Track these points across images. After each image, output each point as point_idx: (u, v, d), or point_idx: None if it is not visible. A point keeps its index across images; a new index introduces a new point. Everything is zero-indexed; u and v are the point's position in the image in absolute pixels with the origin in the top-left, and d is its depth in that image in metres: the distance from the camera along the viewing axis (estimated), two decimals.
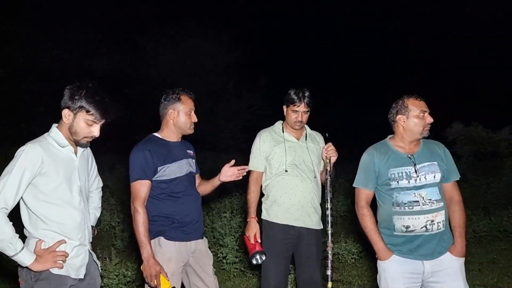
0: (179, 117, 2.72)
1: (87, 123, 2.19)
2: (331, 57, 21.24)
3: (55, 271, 2.14)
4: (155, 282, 2.48)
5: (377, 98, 19.94)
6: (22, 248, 2.03)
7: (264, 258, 2.97)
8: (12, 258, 2.04)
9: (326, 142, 3.19)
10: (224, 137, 16.03)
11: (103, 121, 2.24)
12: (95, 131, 2.23)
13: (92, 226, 2.44)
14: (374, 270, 4.95)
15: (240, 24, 17.08)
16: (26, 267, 2.10)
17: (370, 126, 18.78)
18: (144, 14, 16.74)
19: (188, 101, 2.75)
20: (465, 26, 18.43)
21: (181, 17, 16.18)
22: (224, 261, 4.80)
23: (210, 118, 15.72)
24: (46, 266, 2.10)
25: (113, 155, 11.68)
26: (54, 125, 2.26)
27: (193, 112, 2.76)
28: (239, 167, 2.87)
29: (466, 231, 2.66)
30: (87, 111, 2.18)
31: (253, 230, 3.02)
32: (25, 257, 2.05)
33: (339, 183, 10.09)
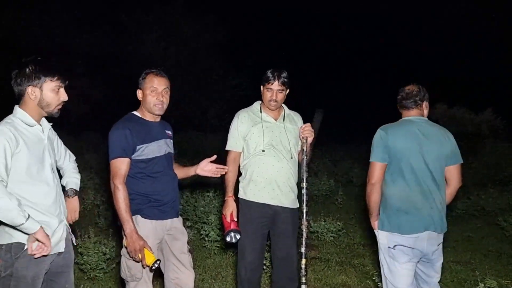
0: (144, 96, 2.72)
1: (54, 90, 2.24)
2: (320, 37, 21.15)
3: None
4: (140, 256, 2.52)
5: (364, 81, 20.14)
6: (29, 216, 2.05)
7: (238, 237, 3.02)
8: (20, 226, 2.05)
9: (318, 118, 3.21)
10: (210, 118, 16.00)
11: (66, 83, 2.29)
12: (64, 95, 2.28)
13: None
14: (353, 248, 5.12)
15: (226, 3, 16.85)
16: (9, 245, 2.14)
17: (356, 109, 19.02)
18: None
19: (153, 79, 2.70)
20: (450, 9, 18.45)
21: None
22: (206, 238, 4.87)
23: (196, 98, 15.66)
24: (47, 240, 2.12)
25: (97, 134, 11.63)
26: (17, 107, 2.26)
27: (160, 90, 2.69)
28: (218, 166, 2.90)
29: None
30: (51, 79, 2.22)
31: (229, 209, 3.07)
32: (32, 224, 2.06)
33: (323, 163, 10.23)
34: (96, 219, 5.77)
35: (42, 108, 2.25)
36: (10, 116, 2.24)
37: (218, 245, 4.84)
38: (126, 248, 2.59)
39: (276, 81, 3.06)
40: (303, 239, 2.83)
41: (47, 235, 2.14)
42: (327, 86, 19.85)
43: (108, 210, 5.97)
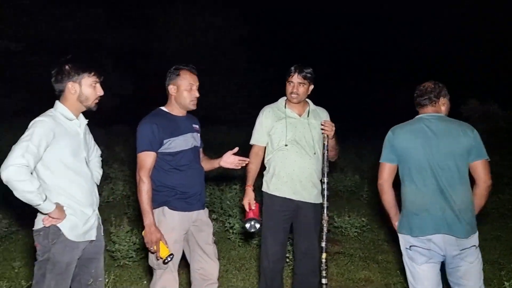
0: (179, 92, 2.80)
1: (91, 85, 2.40)
2: (350, 31, 20.85)
3: (70, 236, 2.32)
4: (155, 248, 2.62)
5: (392, 75, 19.77)
6: (46, 197, 2.20)
7: (258, 226, 3.08)
8: (37, 207, 2.21)
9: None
10: (235, 112, 16.09)
11: (101, 78, 2.45)
12: (100, 90, 2.45)
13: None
14: (377, 244, 5.10)
15: None
16: (42, 229, 2.30)
17: (383, 103, 18.71)
18: None
19: (188, 76, 2.80)
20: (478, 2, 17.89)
21: None
22: (231, 231, 4.96)
23: (222, 93, 15.76)
24: (62, 216, 2.29)
25: (126, 127, 11.91)
26: (58, 101, 2.42)
27: (194, 87, 2.81)
28: (240, 158, 2.96)
29: None
30: (89, 74, 2.39)
31: (246, 197, 3.14)
32: (49, 205, 2.21)
33: (349, 158, 10.14)
34: (126, 209, 5.95)
35: (81, 103, 2.41)
36: (51, 109, 2.40)
37: (242, 237, 4.92)
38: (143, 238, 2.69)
39: (296, 73, 3.10)
40: (324, 233, 2.87)
41: (62, 213, 2.29)
42: (355, 80, 19.60)
43: (137, 202, 6.13)
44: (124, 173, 7.37)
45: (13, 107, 10.25)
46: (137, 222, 5.26)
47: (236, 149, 2.97)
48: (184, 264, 3.05)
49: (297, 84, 3.11)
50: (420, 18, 20.01)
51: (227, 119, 15.23)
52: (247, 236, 4.94)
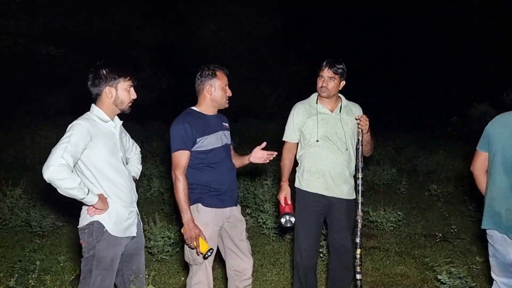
0: (216, 92, 2.87)
1: (126, 89, 2.51)
2: (382, 26, 20.35)
3: (113, 232, 2.45)
4: (195, 244, 2.69)
5: (430, 68, 19.16)
6: (89, 191, 2.34)
7: (293, 220, 3.07)
8: (82, 200, 2.34)
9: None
10: (270, 105, 16.09)
11: (135, 82, 2.56)
12: (134, 94, 2.56)
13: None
14: (414, 239, 5.01)
15: None
16: (88, 227, 2.43)
17: (421, 95, 18.20)
18: None
19: (223, 77, 2.90)
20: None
21: None
22: (264, 226, 5.00)
23: (255, 86, 15.78)
24: (105, 206, 2.42)
25: (162, 123, 12.15)
26: (94, 105, 2.54)
27: (227, 87, 2.91)
28: (269, 152, 2.96)
29: None
30: (124, 79, 2.49)
31: (283, 192, 3.15)
32: (92, 197, 2.34)
33: (386, 151, 9.96)
34: (162, 205, 6.10)
35: (116, 106, 2.53)
36: (88, 112, 2.52)
37: (276, 232, 4.96)
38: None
39: (327, 68, 3.09)
40: (358, 229, 2.85)
41: (105, 204, 2.41)
42: (392, 72, 19.15)
43: (172, 197, 6.26)
44: (159, 169, 7.54)
45: (55, 107, 10.72)
46: (171, 217, 5.43)
47: (264, 143, 2.99)
48: (220, 259, 3.11)
49: (327, 78, 3.10)
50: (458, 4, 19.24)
51: (262, 113, 15.24)
52: (281, 230, 4.96)
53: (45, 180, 2.26)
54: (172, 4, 15.41)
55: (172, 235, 4.51)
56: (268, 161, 2.99)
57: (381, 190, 7.31)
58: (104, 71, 2.47)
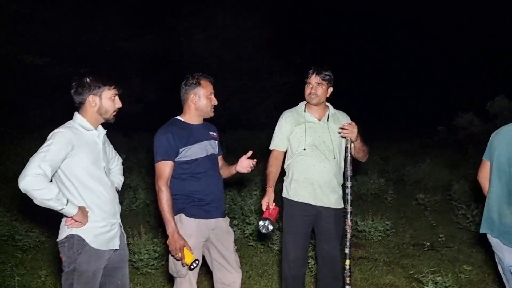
0: (200, 101, 2.83)
1: (111, 98, 2.44)
2: (370, 35, 20.62)
3: (94, 245, 2.36)
4: (180, 255, 2.63)
5: (416, 76, 19.44)
6: (68, 202, 2.25)
7: (270, 228, 2.92)
8: (61, 211, 2.26)
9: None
10: (258, 115, 16.08)
11: (120, 91, 2.49)
12: (119, 102, 2.49)
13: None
14: (402, 248, 5.00)
15: (273, 1, 16.81)
16: (67, 239, 2.34)
17: (407, 104, 18.40)
18: None
19: (208, 85, 2.86)
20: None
21: None
22: (251, 237, 4.94)
23: (244, 96, 15.78)
24: (84, 219, 2.33)
25: (149, 135, 12.03)
26: (77, 113, 2.46)
27: (213, 95, 2.86)
28: (253, 160, 2.92)
29: None
30: (109, 88, 2.43)
31: (265, 198, 3.05)
32: (71, 208, 2.25)
33: (373, 161, 9.98)
34: (147, 217, 6.01)
35: (100, 115, 2.45)
36: (70, 121, 2.44)
37: (263, 243, 4.90)
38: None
39: (314, 74, 3.10)
40: (347, 240, 2.81)
41: (85, 216, 2.33)
42: (378, 82, 19.35)
43: (158, 209, 6.19)
44: (145, 181, 7.45)
45: (40, 119, 10.54)
46: (156, 229, 5.33)
47: (250, 152, 2.94)
48: (207, 271, 3.05)
49: (315, 84, 3.09)
50: (443, 14, 19.60)
51: (250, 123, 15.22)
52: (268, 242, 4.91)
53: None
54: (160, 15, 15.39)
55: (158, 248, 4.42)
56: (250, 170, 2.93)
57: (368, 199, 7.31)
58: (88, 79, 2.40)
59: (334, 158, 3.11)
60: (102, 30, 13.24)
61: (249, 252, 4.84)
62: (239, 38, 16.00)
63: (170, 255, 2.77)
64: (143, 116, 13.07)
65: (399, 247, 5.08)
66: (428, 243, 4.91)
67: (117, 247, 2.50)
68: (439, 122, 12.28)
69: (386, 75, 19.76)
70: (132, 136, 12.03)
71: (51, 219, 5.67)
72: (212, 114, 2.88)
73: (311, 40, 18.75)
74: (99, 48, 12.72)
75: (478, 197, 6.69)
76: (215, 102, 2.87)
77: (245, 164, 2.93)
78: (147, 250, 4.21)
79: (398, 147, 12.11)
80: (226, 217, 2.95)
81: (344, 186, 3.05)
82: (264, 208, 3.06)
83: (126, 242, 2.65)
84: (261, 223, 2.96)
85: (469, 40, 17.97)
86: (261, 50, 16.33)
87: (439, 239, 5.02)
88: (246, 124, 14.92)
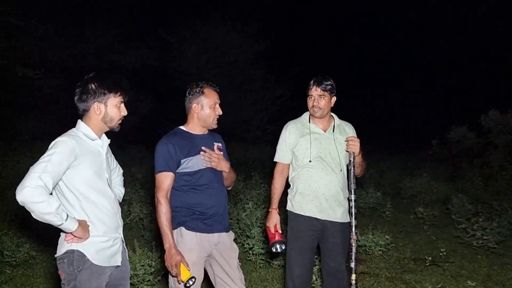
0: (203, 111, 2.72)
1: (117, 106, 2.32)
2: (363, 49, 20.80)
3: (96, 261, 2.22)
4: (176, 271, 2.51)
5: (412, 91, 19.59)
6: (68, 217, 2.10)
7: (284, 247, 2.95)
8: (59, 227, 2.11)
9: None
10: (252, 129, 16.03)
11: (126, 98, 2.36)
12: (124, 110, 2.37)
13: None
14: (404, 263, 4.90)
15: (267, 14, 16.93)
16: (67, 254, 2.19)
17: (403, 118, 18.49)
18: (169, 8, 16.85)
19: (212, 94, 2.74)
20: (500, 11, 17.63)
21: (206, 9, 16.20)
22: (251, 252, 4.81)
23: (238, 109, 15.74)
24: (85, 235, 2.19)
25: (142, 147, 11.91)
26: (80, 121, 2.33)
27: (217, 105, 2.75)
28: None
29: None
30: (115, 95, 2.30)
31: (273, 221, 3.00)
32: (71, 224, 2.11)
33: (369, 174, 9.93)
34: (142, 231, 5.85)
35: (105, 123, 2.32)
36: (73, 129, 2.31)
37: (263, 258, 4.77)
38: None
39: (315, 86, 3.00)
40: (353, 253, 2.71)
41: (86, 231, 2.19)
42: (373, 95, 19.46)
43: (153, 223, 6.06)
44: (139, 194, 7.31)
45: (32, 131, 10.41)
46: (151, 244, 5.19)
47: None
48: (210, 287, 2.92)
49: (317, 97, 3.00)
50: (435, 28, 19.86)
51: (244, 137, 15.16)
52: (268, 257, 4.79)
53: (19, 204, 2.04)
54: (153, 28, 15.41)
55: (153, 263, 4.28)
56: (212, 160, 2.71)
57: (366, 213, 7.22)
58: (93, 86, 2.27)
59: (341, 170, 3.02)
60: (95, 42, 13.21)
61: (248, 268, 4.71)
62: (233, 51, 16.03)
63: (168, 272, 2.65)
64: (137, 129, 12.97)
65: (400, 262, 4.98)
66: (430, 258, 4.81)
67: (119, 264, 2.35)
68: (433, 136, 12.30)
69: (381, 89, 19.88)
70: (125, 149, 11.90)
71: (41, 232, 5.52)
72: (214, 126, 2.77)
73: (306, 54, 18.87)
74: (92, 61, 12.67)
75: (477, 211, 6.70)
76: (219, 112, 2.75)
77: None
78: (142, 265, 4.06)
79: (393, 160, 12.09)
80: (231, 232, 2.83)
81: (348, 199, 2.96)
82: (272, 231, 2.98)
83: (127, 258, 2.50)
84: (273, 249, 2.97)
85: (463, 55, 18.18)
86: (255, 63, 16.38)
87: (440, 254, 4.94)
88: (240, 137, 14.85)
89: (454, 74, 17.94)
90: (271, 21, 16.61)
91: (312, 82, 3.04)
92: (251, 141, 14.34)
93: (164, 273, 4.49)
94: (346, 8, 20.62)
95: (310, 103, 3.03)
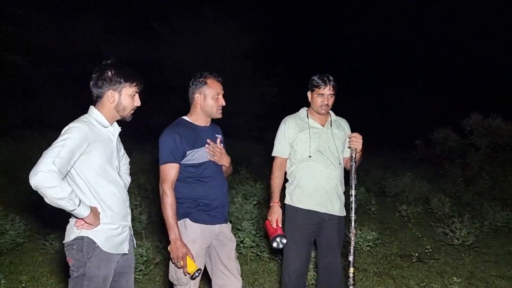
0: (205, 101, 2.73)
1: (131, 96, 2.32)
2: (349, 46, 21.00)
3: (105, 248, 2.22)
4: (182, 263, 2.53)
5: (395, 89, 19.88)
6: (80, 202, 2.10)
7: (284, 241, 3.00)
8: (72, 212, 2.11)
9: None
10: (239, 125, 16.04)
11: (141, 88, 2.36)
12: (138, 101, 2.37)
13: None
14: (391, 259, 5.02)
15: (256, 10, 16.95)
16: (76, 241, 2.20)
17: (386, 117, 18.76)
18: (161, 0, 16.71)
19: (215, 85, 2.75)
20: (486, 16, 18.03)
21: (197, 3, 16.11)
22: (242, 245, 4.86)
23: (226, 105, 15.73)
24: (96, 221, 2.19)
25: (130, 140, 11.80)
26: (92, 107, 2.32)
27: (220, 95, 2.76)
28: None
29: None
30: (130, 84, 2.30)
31: (275, 215, 3.04)
32: (83, 210, 2.11)
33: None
34: (132, 222, 5.82)
35: (117, 112, 2.33)
36: (86, 115, 2.30)
37: (254, 251, 4.83)
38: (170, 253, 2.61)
39: (328, 85, 3.05)
40: (352, 247, 2.78)
41: (97, 218, 2.19)
42: (358, 95, 19.65)
43: (142, 214, 6.04)
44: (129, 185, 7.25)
45: (20, 119, 10.23)
46: (140, 234, 5.18)
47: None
48: (206, 278, 2.96)
49: (328, 96, 3.06)
50: (421, 30, 20.19)
51: (231, 132, 15.16)
52: (258, 250, 4.84)
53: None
54: (145, 20, 15.24)
55: (144, 252, 4.29)
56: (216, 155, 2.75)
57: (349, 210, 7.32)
58: (110, 73, 2.27)
59: (340, 163, 3.10)
60: (85, 32, 12.99)
61: (239, 260, 4.70)
62: (223, 47, 15.97)
63: (171, 262, 2.67)
64: (124, 122, 12.85)
65: (387, 258, 5.10)
66: (416, 255, 4.94)
67: (127, 252, 2.36)
68: (417, 136, 12.53)
69: (366, 89, 20.12)
70: None
71: (28, 221, 5.43)
72: (218, 116, 2.78)
73: (294, 51, 18.95)
74: (81, 50, 12.46)
75: (459, 211, 6.88)
76: (222, 103, 2.76)
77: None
78: (134, 254, 4.05)
79: (377, 160, 12.27)
80: (229, 223, 2.87)
81: (348, 194, 3.03)
82: (274, 225, 3.02)
83: (133, 247, 2.51)
84: (274, 244, 3.00)
85: (449, 59, 18.53)
86: (244, 59, 16.35)
87: (426, 251, 5.07)
88: (227, 133, 14.82)
89: (439, 76, 18.30)
90: (260, 17, 16.63)
91: (321, 81, 3.05)
92: (238, 137, 14.36)
93: (156, 263, 4.52)
94: (333, 8, 20.80)
95: (319, 101, 3.06)
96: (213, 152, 2.72)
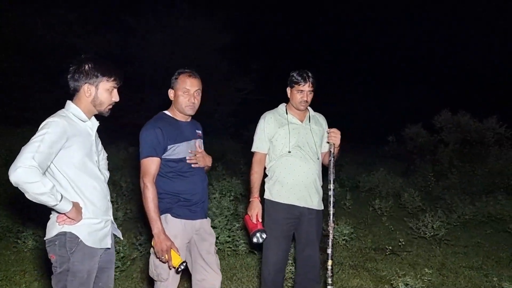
0: (176, 97, 2.74)
1: (108, 90, 2.28)
2: (325, 43, 21.24)
3: (88, 243, 2.20)
4: (166, 257, 2.52)
5: (367, 85, 20.27)
6: (62, 197, 2.07)
7: (264, 236, 3.03)
8: (54, 207, 2.08)
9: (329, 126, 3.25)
10: (214, 121, 16.00)
11: (120, 84, 2.32)
12: (116, 96, 2.33)
13: None
14: (365, 252, 5.13)
15: (232, 6, 16.92)
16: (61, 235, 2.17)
17: (360, 113, 19.09)
18: None
19: (186, 81, 2.72)
20: (457, 17, 18.56)
21: None
22: (217, 240, 4.86)
23: (201, 101, 15.66)
24: (79, 216, 2.17)
25: (103, 136, 11.60)
26: (69, 102, 2.29)
27: (191, 91, 2.72)
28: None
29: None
30: (108, 79, 2.26)
31: (255, 210, 3.07)
32: (65, 204, 2.08)
33: (325, 168, 10.20)
34: None
35: (94, 106, 2.29)
36: (63, 110, 2.26)
37: (230, 246, 4.85)
38: (153, 248, 2.59)
39: (307, 82, 3.09)
40: (330, 240, 2.83)
41: (79, 213, 2.17)
42: (332, 93, 19.91)
43: (119, 210, 5.97)
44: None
45: None
46: (121, 230, 5.10)
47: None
48: (187, 273, 2.96)
49: (308, 92, 3.11)
50: (396, 29, 20.58)
51: (206, 129, 15.09)
52: (233, 245, 4.87)
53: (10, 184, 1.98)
54: (119, 14, 14.95)
55: (121, 248, 4.26)
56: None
57: (327, 204, 7.43)
58: (87, 66, 2.23)
59: (318, 158, 3.16)
60: (54, 24, 12.63)
61: None
62: (198, 43, 15.86)
63: (151, 257, 2.66)
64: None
65: (362, 251, 5.21)
66: (390, 248, 5.07)
67: (109, 246, 2.34)
68: (389, 133, 12.82)
69: (340, 86, 20.39)
70: None
71: (3, 215, 5.26)
72: (188, 112, 2.73)
73: (270, 48, 19.01)
74: (52, 43, 12.11)
75: (428, 205, 7.09)
76: (193, 100, 2.73)
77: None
78: None
79: (351, 156, 12.48)
80: (208, 218, 2.88)
81: (325, 189, 3.09)
82: (254, 220, 3.05)
83: (121, 239, 2.47)
84: (254, 239, 3.03)
85: (421, 58, 18.99)
86: (218, 55, 16.29)
87: (399, 244, 5.21)
88: (203, 129, 14.79)
89: (411, 75, 18.76)
90: (235, 13, 16.61)
91: (301, 78, 3.09)
92: (213, 134, 14.33)
93: (133, 258, 4.48)
94: (309, 5, 20.95)
95: (299, 97, 3.10)
96: (195, 161, 2.72)
